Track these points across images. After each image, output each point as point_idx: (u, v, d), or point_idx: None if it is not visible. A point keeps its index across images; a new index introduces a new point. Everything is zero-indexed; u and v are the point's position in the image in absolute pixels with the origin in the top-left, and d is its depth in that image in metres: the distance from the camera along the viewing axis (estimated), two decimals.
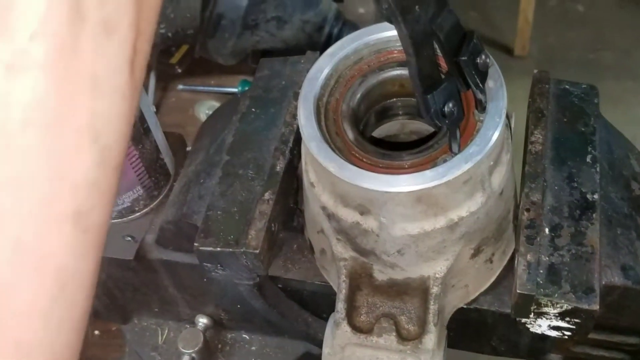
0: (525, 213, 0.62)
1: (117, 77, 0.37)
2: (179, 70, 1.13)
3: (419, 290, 0.63)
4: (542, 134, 0.67)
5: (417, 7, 0.50)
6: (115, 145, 0.37)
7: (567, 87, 0.71)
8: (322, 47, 1.02)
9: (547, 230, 0.61)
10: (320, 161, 0.58)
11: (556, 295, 0.58)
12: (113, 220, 0.79)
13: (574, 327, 0.60)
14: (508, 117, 0.61)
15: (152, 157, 0.77)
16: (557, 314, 0.59)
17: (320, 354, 0.64)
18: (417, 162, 0.58)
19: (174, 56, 1.13)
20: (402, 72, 0.64)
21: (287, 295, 0.75)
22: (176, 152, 0.84)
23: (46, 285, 0.35)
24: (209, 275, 0.69)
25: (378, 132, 0.70)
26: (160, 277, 0.82)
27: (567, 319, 0.59)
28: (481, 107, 0.58)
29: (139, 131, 0.73)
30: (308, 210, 0.68)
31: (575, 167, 0.65)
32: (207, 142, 0.78)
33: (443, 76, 0.56)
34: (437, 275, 0.62)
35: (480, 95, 0.57)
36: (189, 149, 0.86)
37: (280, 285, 0.74)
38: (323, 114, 0.62)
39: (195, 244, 0.66)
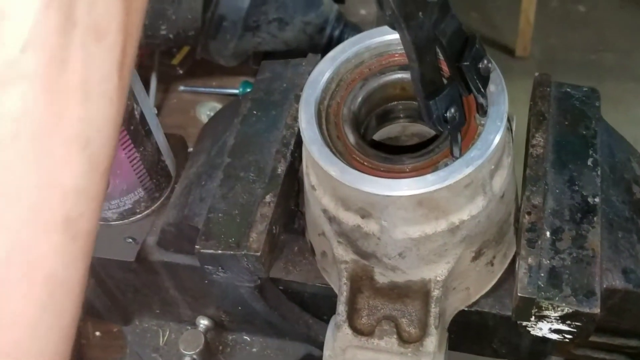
0: (527, 216, 0.62)
1: (107, 83, 0.37)
2: (180, 72, 1.13)
3: (420, 293, 0.63)
4: (543, 137, 0.67)
5: (420, 13, 0.50)
6: (104, 150, 0.37)
7: (568, 90, 0.71)
8: (324, 49, 1.03)
9: (548, 233, 0.61)
10: (322, 165, 0.58)
11: (557, 298, 0.58)
12: (114, 222, 0.79)
13: (575, 330, 0.60)
14: (509, 120, 0.61)
15: (154, 159, 0.77)
16: (558, 317, 0.59)
17: (321, 356, 0.64)
18: (418, 166, 0.58)
19: (176, 57, 1.13)
20: (404, 75, 0.64)
21: (288, 297, 0.75)
22: (177, 153, 0.84)
23: (35, 293, 0.35)
24: (210, 277, 0.69)
25: (379, 135, 0.70)
26: (161, 279, 0.83)
27: (568, 322, 0.59)
28: (482, 111, 0.58)
29: (140, 133, 0.73)
30: (309, 213, 0.68)
31: (577, 171, 0.65)
32: (209, 144, 0.78)
33: (445, 81, 0.56)
34: (438, 278, 0.62)
35: (481, 100, 0.57)
36: (190, 150, 0.86)
37: (281, 287, 0.74)
38: (324, 118, 0.63)
39: (197, 247, 0.66)
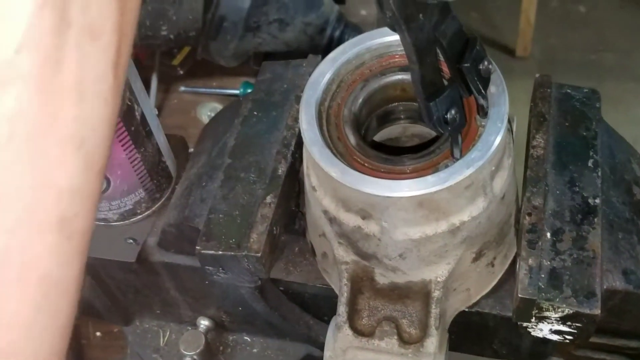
0: (527, 217, 0.62)
1: (101, 83, 0.37)
2: (181, 72, 1.13)
3: (420, 293, 0.63)
4: (543, 138, 0.67)
5: (420, 15, 0.50)
6: (98, 150, 0.37)
7: (568, 91, 0.71)
8: (324, 49, 1.03)
9: (548, 234, 0.61)
10: (322, 166, 0.58)
11: (558, 299, 0.58)
12: (115, 223, 0.79)
13: (575, 331, 0.60)
14: (510, 121, 0.61)
15: (154, 160, 0.77)
16: (558, 319, 0.59)
17: (322, 357, 0.64)
18: (418, 167, 0.58)
19: (176, 58, 1.13)
20: (404, 76, 0.64)
21: (288, 297, 0.75)
22: (178, 154, 0.84)
23: (30, 293, 0.35)
24: (210, 278, 0.69)
25: (380, 136, 0.70)
26: (162, 280, 0.83)
27: (569, 323, 0.59)
28: (483, 112, 0.58)
29: (141, 133, 0.73)
30: (310, 214, 0.68)
31: (577, 172, 0.65)
32: (209, 145, 0.78)
33: (445, 82, 0.56)
34: (438, 279, 0.62)
35: (482, 101, 0.57)
36: (191, 150, 0.86)
37: (281, 288, 0.74)
38: (325, 119, 0.63)
39: (197, 247, 0.66)
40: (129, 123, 0.71)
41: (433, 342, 0.61)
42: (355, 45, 0.66)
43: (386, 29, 0.60)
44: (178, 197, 0.76)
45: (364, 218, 0.60)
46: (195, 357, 0.82)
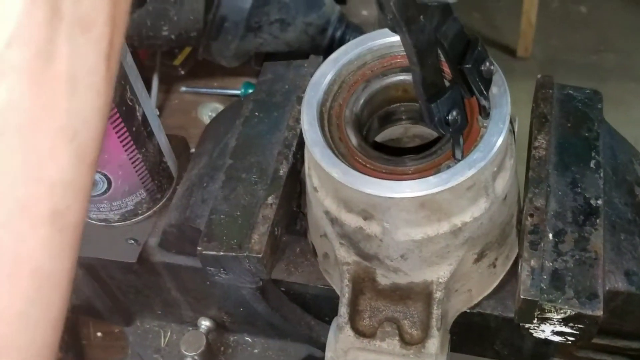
0: (529, 218, 0.62)
1: (94, 75, 0.37)
2: (182, 72, 1.13)
3: (422, 294, 0.63)
4: (545, 139, 0.67)
5: (421, 17, 0.50)
6: (91, 143, 0.37)
7: (570, 92, 0.70)
8: (325, 50, 1.02)
9: (550, 235, 0.61)
10: (324, 167, 0.58)
11: (560, 301, 0.58)
12: (116, 223, 0.79)
13: (577, 332, 0.60)
14: (511, 121, 0.61)
15: (155, 160, 0.77)
16: (560, 320, 0.59)
17: (323, 357, 0.64)
18: (420, 168, 0.58)
19: (177, 58, 1.13)
20: (406, 77, 0.64)
21: (289, 298, 0.75)
22: (179, 155, 0.84)
23: (22, 287, 0.36)
24: (211, 278, 0.69)
25: (381, 136, 0.70)
26: (163, 280, 0.83)
27: (571, 324, 0.59)
28: (485, 113, 0.58)
29: (142, 134, 0.73)
30: (311, 214, 0.68)
31: (579, 173, 0.65)
32: (211, 146, 0.78)
33: (447, 83, 0.56)
34: (440, 280, 0.62)
35: (484, 102, 0.57)
36: (192, 151, 0.86)
37: (283, 289, 0.74)
38: (326, 119, 0.63)
39: (198, 248, 0.66)
40: (130, 123, 0.71)
41: (434, 343, 0.61)
42: (357, 46, 0.66)
43: (388, 30, 0.59)
44: (179, 198, 0.76)
45: (365, 219, 0.59)
46: (196, 357, 0.82)
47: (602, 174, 0.64)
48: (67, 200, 0.36)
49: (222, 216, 0.67)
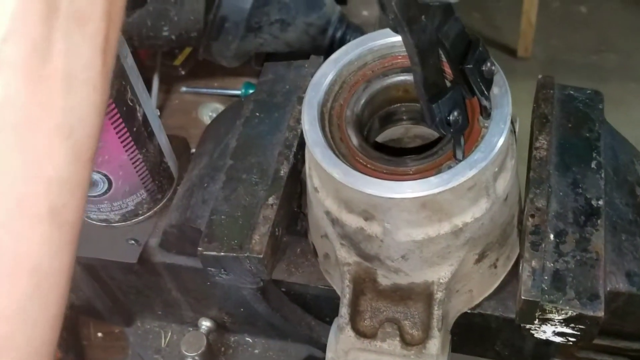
0: (530, 219, 0.62)
1: (90, 70, 0.36)
2: (182, 73, 1.13)
3: (423, 295, 0.63)
4: (546, 140, 0.67)
5: (423, 17, 0.50)
6: (87, 140, 0.37)
7: (571, 92, 0.70)
8: (326, 50, 1.02)
9: (551, 236, 0.61)
10: (325, 167, 0.57)
11: (561, 301, 0.58)
12: (116, 224, 0.79)
13: (578, 333, 0.60)
14: (512, 121, 0.61)
15: (156, 161, 0.77)
16: (561, 320, 0.59)
17: (323, 358, 0.64)
18: (421, 168, 0.58)
19: (178, 58, 1.13)
20: (406, 77, 0.64)
21: (290, 299, 0.75)
22: (180, 155, 0.84)
23: (21, 285, 0.36)
24: (212, 279, 0.69)
25: (382, 137, 0.70)
26: (164, 281, 0.83)
27: (572, 325, 0.59)
28: (486, 113, 0.58)
29: (143, 134, 0.73)
30: (312, 215, 0.67)
31: (580, 173, 0.65)
32: (211, 147, 0.78)
33: (448, 83, 0.56)
34: (441, 281, 0.62)
35: (485, 102, 0.57)
36: (192, 151, 0.86)
37: (283, 289, 0.74)
38: (327, 120, 0.62)
39: (199, 249, 0.66)
40: (131, 124, 0.71)
41: (435, 344, 0.61)
42: (358, 46, 0.66)
43: (388, 30, 0.59)
44: (180, 198, 0.76)
45: (366, 219, 0.59)
46: (196, 358, 0.82)
47: (603, 175, 0.64)
48: (64, 198, 0.36)
49: (222, 217, 0.67)
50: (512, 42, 2.50)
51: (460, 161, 0.57)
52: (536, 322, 0.60)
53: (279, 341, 0.88)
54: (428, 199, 0.56)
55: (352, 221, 0.60)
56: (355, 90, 0.64)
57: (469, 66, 0.54)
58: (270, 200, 0.66)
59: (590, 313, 0.57)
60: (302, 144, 0.69)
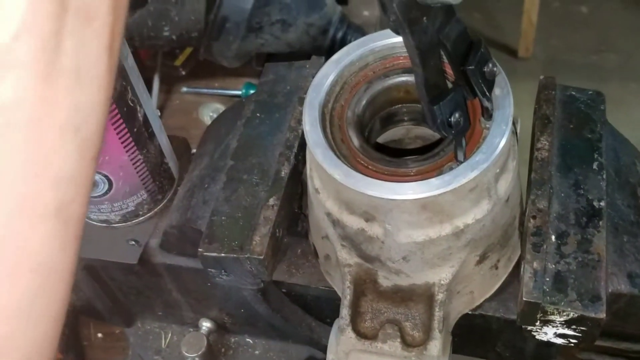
0: (532, 220, 0.62)
1: (97, 67, 0.37)
2: (183, 73, 1.13)
3: (424, 296, 0.63)
4: (548, 141, 0.66)
5: (424, 18, 0.50)
6: (93, 136, 0.37)
7: (573, 93, 0.70)
8: (327, 50, 1.02)
9: (553, 237, 0.61)
10: (326, 168, 0.57)
11: (562, 303, 0.58)
12: (117, 224, 0.79)
13: (580, 334, 0.60)
14: (514, 122, 0.60)
15: (157, 161, 0.76)
16: (563, 322, 0.59)
17: (324, 359, 0.64)
18: (422, 170, 0.58)
19: (178, 58, 1.13)
20: (408, 78, 0.64)
21: (291, 299, 0.75)
22: (180, 156, 0.83)
23: (27, 281, 0.36)
24: (212, 280, 0.69)
25: (383, 137, 0.70)
26: (164, 281, 0.82)
27: (573, 326, 0.59)
28: (488, 114, 0.58)
29: (144, 135, 0.73)
30: (312, 216, 0.67)
31: (582, 174, 0.65)
32: (212, 147, 0.78)
33: (450, 84, 0.55)
34: (442, 282, 0.62)
35: (487, 104, 0.57)
36: (193, 152, 0.86)
37: (284, 290, 0.74)
38: (328, 121, 0.62)
39: (200, 250, 0.65)
40: (132, 124, 0.70)
41: (436, 345, 0.61)
42: (359, 47, 0.65)
43: (390, 31, 0.59)
44: (180, 199, 0.76)
45: (367, 220, 0.59)
46: (197, 358, 0.82)
47: (604, 176, 0.64)
48: (70, 194, 0.37)
49: (223, 217, 0.67)
50: (513, 42, 2.49)
51: (461, 162, 0.56)
52: (537, 323, 0.60)
53: (280, 342, 0.88)
54: (429, 201, 0.56)
55: (353, 222, 0.60)
56: (356, 91, 0.64)
57: (470, 67, 0.54)
58: (271, 201, 0.66)
59: (592, 314, 0.57)
60: (303, 145, 0.69)
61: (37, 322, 0.37)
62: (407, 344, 0.62)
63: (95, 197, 0.74)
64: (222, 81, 1.13)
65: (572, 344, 0.62)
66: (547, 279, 0.59)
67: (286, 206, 0.68)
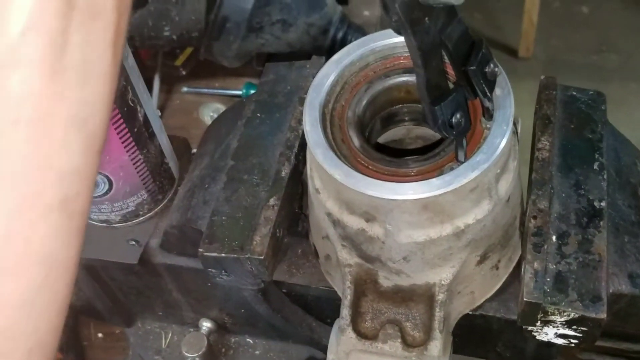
0: (532, 220, 0.62)
1: (102, 63, 0.38)
2: (184, 73, 1.13)
3: (424, 296, 0.63)
4: (549, 141, 0.66)
5: (426, 19, 0.50)
6: (99, 131, 0.38)
7: (574, 93, 0.70)
8: (327, 50, 1.02)
9: (554, 237, 0.61)
10: (326, 168, 0.57)
11: (563, 303, 0.58)
12: (117, 224, 0.79)
13: (580, 335, 0.60)
14: (515, 123, 0.60)
15: (157, 161, 0.76)
16: (564, 322, 0.59)
17: (324, 359, 0.64)
18: (423, 170, 0.58)
19: (179, 58, 1.12)
20: (409, 78, 0.64)
21: (291, 300, 0.75)
22: (180, 156, 0.83)
23: (32, 273, 0.36)
24: (213, 280, 0.69)
25: (383, 138, 0.70)
26: (164, 281, 0.82)
27: (574, 327, 0.59)
28: (488, 114, 0.58)
29: (144, 135, 0.73)
30: (313, 216, 0.67)
31: (583, 175, 0.64)
32: (212, 147, 0.78)
33: (451, 84, 0.55)
34: (443, 282, 0.62)
35: (488, 104, 0.57)
36: (193, 152, 0.86)
37: (284, 290, 0.74)
38: (329, 121, 0.62)
39: (200, 250, 0.65)
40: (132, 124, 0.70)
41: (437, 345, 0.61)
42: (360, 47, 0.65)
43: (390, 31, 0.59)
44: (180, 199, 0.76)
45: (367, 221, 0.59)
46: (197, 359, 0.82)
47: (605, 176, 0.64)
48: (76, 188, 0.37)
49: (223, 217, 0.67)
50: (514, 42, 2.49)
51: (462, 163, 0.56)
52: (538, 323, 0.60)
53: (280, 342, 0.88)
54: (430, 201, 0.56)
55: (354, 222, 0.60)
56: (357, 91, 0.64)
57: (472, 68, 0.54)
58: (272, 201, 0.66)
59: (593, 315, 0.57)
60: (303, 145, 0.69)
61: (42, 314, 0.37)
62: (407, 344, 0.62)
63: (96, 197, 0.74)
64: (223, 81, 1.13)
65: (573, 345, 0.62)
66: (548, 279, 0.59)
67: (286, 206, 0.68)
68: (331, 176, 0.57)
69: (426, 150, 0.60)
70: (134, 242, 0.78)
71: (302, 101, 0.71)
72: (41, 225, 0.36)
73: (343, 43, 1.01)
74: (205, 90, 1.13)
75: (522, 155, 0.63)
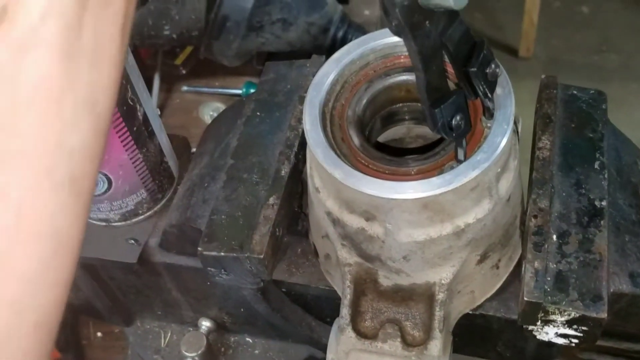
0: (533, 220, 0.62)
1: (112, 46, 0.40)
2: (183, 72, 1.13)
3: (424, 296, 0.63)
4: (549, 140, 0.66)
5: (427, 22, 0.49)
6: (106, 112, 0.40)
7: (575, 92, 0.70)
8: (328, 49, 1.02)
9: (554, 237, 0.61)
10: (326, 167, 0.57)
11: (564, 303, 0.57)
12: (116, 223, 0.79)
13: (581, 334, 0.60)
14: (515, 122, 0.60)
15: (156, 160, 0.76)
16: (564, 322, 0.59)
17: (324, 358, 0.64)
18: (423, 169, 0.58)
19: (179, 57, 1.13)
20: (409, 77, 0.64)
21: (291, 299, 0.75)
22: (180, 154, 0.83)
23: (42, 249, 0.38)
24: (212, 279, 0.69)
25: (383, 137, 0.69)
26: (164, 281, 0.82)
27: (575, 326, 0.59)
28: (489, 114, 0.58)
29: (144, 134, 0.72)
30: (313, 215, 0.67)
31: (583, 174, 0.64)
32: (212, 146, 0.78)
33: (451, 84, 0.55)
34: (443, 282, 0.61)
35: (488, 104, 0.57)
36: (193, 151, 0.86)
37: (284, 289, 0.73)
38: (329, 120, 0.62)
39: (199, 249, 0.65)
40: (131, 123, 0.70)
41: (437, 345, 0.60)
42: (360, 46, 0.65)
43: None
44: (180, 198, 0.76)
45: (367, 220, 0.59)
46: (196, 358, 0.82)
47: (606, 175, 0.64)
48: (84, 167, 0.39)
49: (223, 216, 0.67)
50: (514, 42, 2.49)
51: (462, 162, 0.56)
52: (539, 323, 0.60)
53: (279, 342, 0.88)
54: (430, 200, 0.56)
55: (354, 222, 0.60)
56: (357, 90, 0.64)
57: (473, 69, 0.54)
58: (271, 200, 0.66)
59: (593, 314, 0.57)
60: (303, 144, 0.69)
61: (49, 288, 0.39)
62: (407, 343, 0.61)
63: (95, 196, 0.74)
64: (223, 80, 1.13)
65: (574, 344, 0.62)
66: (549, 279, 0.59)
67: (286, 205, 0.68)
68: (331, 175, 0.57)
69: (426, 149, 0.60)
70: (133, 241, 0.77)
71: (302, 100, 0.71)
72: (52, 202, 0.37)
73: (343, 42, 1.01)
74: (205, 89, 1.13)
75: (522, 154, 0.63)
